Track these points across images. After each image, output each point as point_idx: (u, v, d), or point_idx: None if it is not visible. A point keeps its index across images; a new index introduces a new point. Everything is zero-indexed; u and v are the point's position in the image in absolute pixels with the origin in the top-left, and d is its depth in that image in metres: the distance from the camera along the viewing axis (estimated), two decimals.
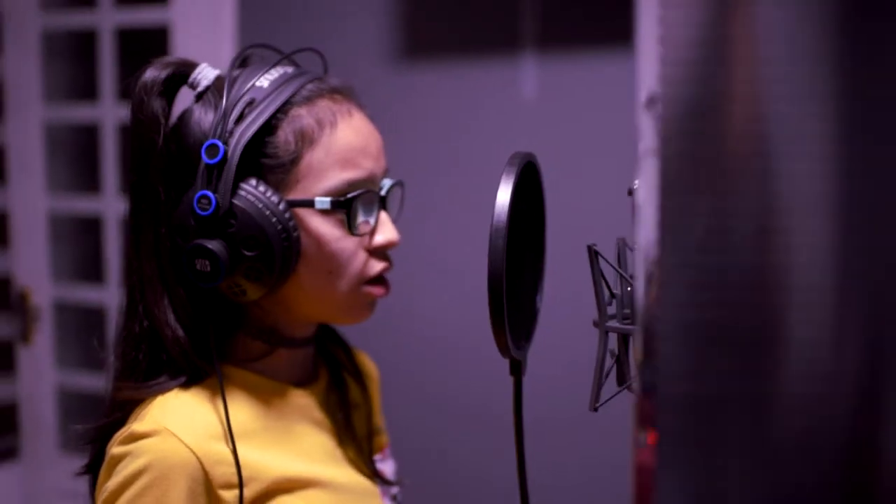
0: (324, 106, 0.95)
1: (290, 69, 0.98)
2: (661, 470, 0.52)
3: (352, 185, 0.95)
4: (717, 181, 0.50)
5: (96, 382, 2.64)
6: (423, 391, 2.15)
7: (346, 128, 0.96)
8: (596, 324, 0.77)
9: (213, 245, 0.88)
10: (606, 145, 1.97)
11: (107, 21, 2.50)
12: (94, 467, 0.98)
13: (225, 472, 0.89)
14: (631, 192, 0.75)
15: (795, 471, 0.52)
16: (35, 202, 2.65)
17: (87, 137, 2.65)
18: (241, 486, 0.89)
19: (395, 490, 1.08)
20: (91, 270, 2.71)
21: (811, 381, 0.52)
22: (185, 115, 0.94)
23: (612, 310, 0.76)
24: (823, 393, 0.52)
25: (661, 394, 0.51)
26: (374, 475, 1.04)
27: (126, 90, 0.95)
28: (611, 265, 0.75)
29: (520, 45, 2.05)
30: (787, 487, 0.52)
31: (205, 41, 2.36)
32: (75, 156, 2.75)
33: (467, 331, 2.09)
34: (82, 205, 2.66)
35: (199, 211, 0.88)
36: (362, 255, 0.96)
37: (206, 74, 0.95)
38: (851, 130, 0.51)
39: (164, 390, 0.93)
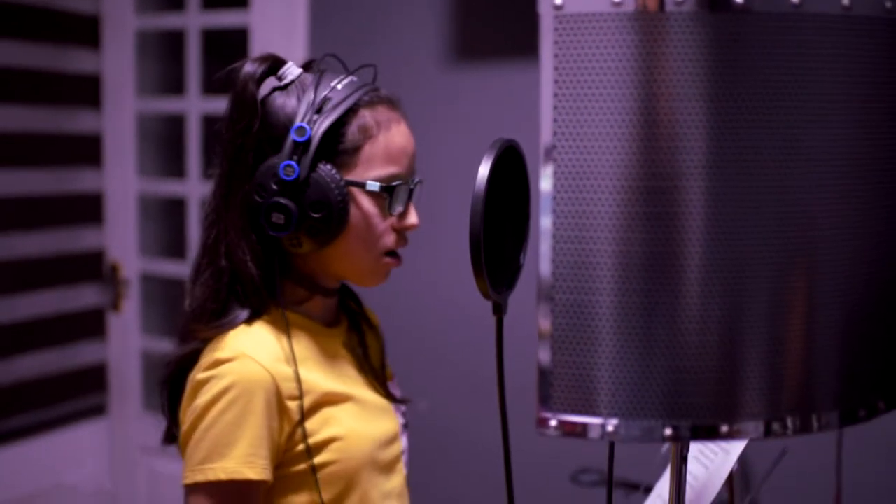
0: (382, 111, 1.19)
1: (355, 79, 1.21)
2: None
3: (393, 177, 1.18)
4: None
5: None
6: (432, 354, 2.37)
7: (396, 131, 1.20)
8: None
9: (290, 203, 1.12)
10: None
11: (194, 22, 2.77)
12: (173, 382, 1.21)
13: (289, 386, 1.12)
14: None
15: None
16: (127, 185, 2.94)
17: (174, 127, 2.92)
18: (300, 396, 1.13)
19: (403, 408, 1.33)
20: (174, 247, 2.99)
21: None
22: (270, 100, 1.16)
23: None
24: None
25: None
26: (389, 396, 1.28)
27: (225, 79, 1.20)
28: None
29: None
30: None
31: (280, 41, 2.61)
32: (164, 144, 3.03)
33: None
34: (168, 188, 2.94)
35: (283, 176, 1.11)
36: (391, 232, 1.21)
37: (292, 71, 1.18)
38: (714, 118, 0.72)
39: (234, 325, 1.15)
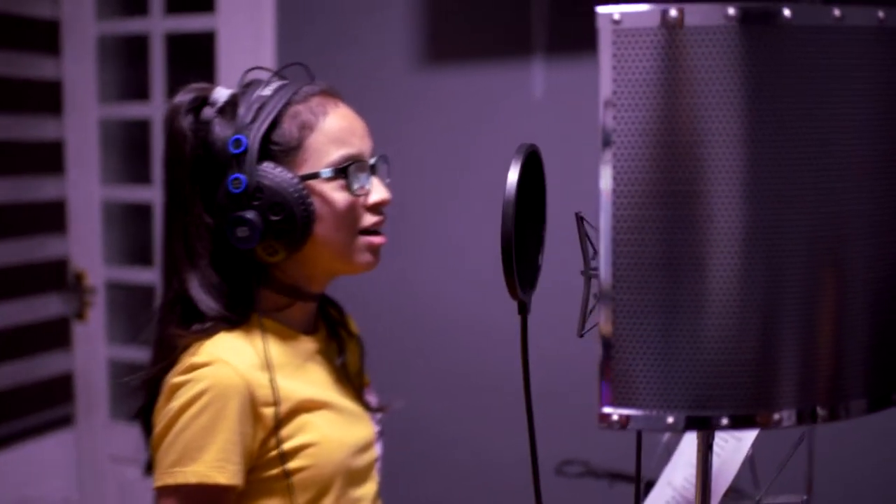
0: (316, 101, 1.21)
1: (285, 81, 1.24)
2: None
3: (347, 158, 1.20)
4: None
5: (144, 355, 2.89)
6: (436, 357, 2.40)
7: (335, 115, 1.21)
8: (582, 272, 1.02)
9: (248, 214, 1.14)
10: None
11: (157, 27, 2.75)
12: (147, 410, 1.22)
13: (264, 393, 1.14)
14: None
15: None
16: (90, 192, 2.91)
17: (138, 133, 2.90)
18: (276, 404, 1.15)
19: (378, 416, 1.35)
20: (140, 254, 2.97)
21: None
22: (209, 127, 1.19)
23: (595, 263, 1.01)
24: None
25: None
26: (364, 404, 1.32)
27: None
28: (593, 227, 1.00)
29: (531, 50, 2.29)
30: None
31: (247, 45, 2.62)
32: (127, 150, 3.00)
33: (484, 300, 2.34)
34: (133, 194, 2.92)
35: (232, 189, 1.14)
36: (362, 212, 1.22)
37: (221, 94, 1.21)
38: (750, 133, 0.76)
39: (212, 333, 1.17)
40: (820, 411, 0.82)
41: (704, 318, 0.78)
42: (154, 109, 2.79)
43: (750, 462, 1.13)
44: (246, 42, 2.62)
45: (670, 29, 0.71)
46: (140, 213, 2.92)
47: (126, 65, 2.96)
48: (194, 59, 2.85)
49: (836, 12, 0.71)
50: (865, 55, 0.74)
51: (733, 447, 1.15)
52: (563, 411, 2.34)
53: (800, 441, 1.05)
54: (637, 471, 1.05)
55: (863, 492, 2.05)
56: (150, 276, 2.87)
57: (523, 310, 1.04)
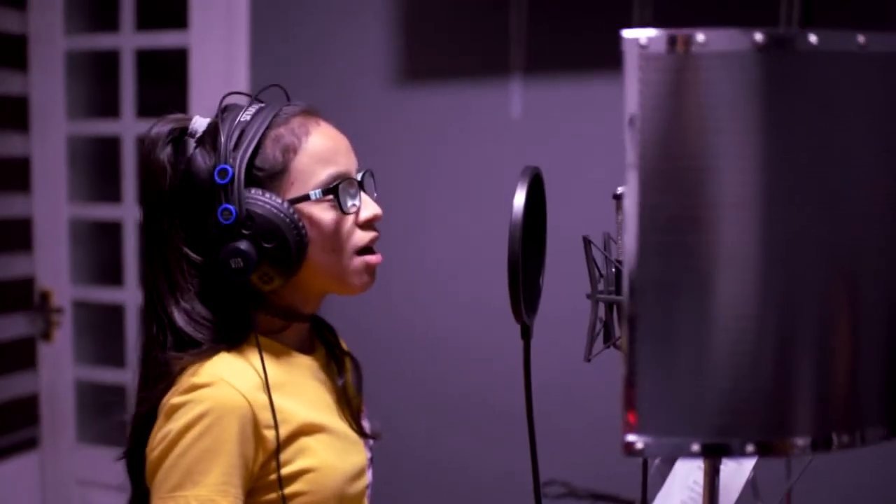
0: (297, 122, 1.19)
1: (263, 104, 1.21)
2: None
3: (334, 178, 1.18)
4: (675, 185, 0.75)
5: (112, 376, 2.85)
6: (425, 381, 2.38)
7: (318, 134, 1.19)
8: (588, 296, 1.01)
9: (240, 244, 1.11)
10: (584, 157, 2.22)
11: (128, 43, 2.72)
12: (134, 453, 1.19)
13: (266, 415, 1.11)
14: (615, 197, 0.99)
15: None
16: (57, 210, 2.85)
17: (107, 150, 2.85)
18: (276, 427, 1.12)
19: (371, 442, 1.33)
20: (108, 272, 2.91)
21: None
22: (191, 159, 1.16)
23: (600, 286, 1.00)
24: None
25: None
26: (360, 430, 1.28)
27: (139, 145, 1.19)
28: (600, 251, 0.99)
29: (509, 70, 2.29)
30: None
31: (220, 62, 2.59)
32: (96, 167, 2.95)
33: (465, 320, 2.32)
34: (101, 212, 2.87)
35: (222, 220, 1.11)
36: (355, 230, 1.20)
37: (200, 124, 1.18)
38: (765, 148, 0.75)
39: (212, 354, 1.14)
40: (835, 438, 0.82)
41: (723, 345, 0.77)
42: (124, 127, 2.74)
43: (752, 484, 1.13)
44: (219, 59, 2.59)
45: (694, 54, 0.71)
46: (108, 231, 2.87)
47: (95, 81, 2.91)
48: (165, 75, 2.82)
49: (861, 39, 0.71)
50: (888, 81, 0.75)
51: (733, 469, 1.14)
52: (545, 432, 2.33)
53: (807, 465, 1.05)
54: (643, 495, 1.04)
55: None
56: (118, 295, 2.82)
57: (526, 334, 1.03)
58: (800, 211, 0.77)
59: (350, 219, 1.20)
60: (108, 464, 2.90)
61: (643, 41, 0.70)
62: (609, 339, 1.01)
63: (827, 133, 0.76)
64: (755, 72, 0.72)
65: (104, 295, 2.88)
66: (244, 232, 1.12)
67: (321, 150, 1.18)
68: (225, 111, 1.19)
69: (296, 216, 1.14)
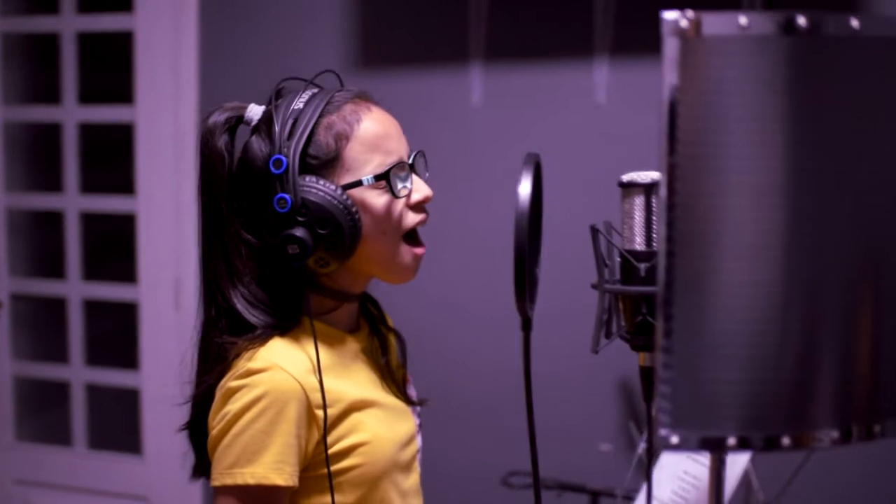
0: (349, 109, 1.21)
1: (315, 90, 1.24)
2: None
3: (385, 163, 1.21)
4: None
5: (52, 372, 2.76)
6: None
7: (369, 120, 1.21)
8: (594, 286, 0.99)
9: (297, 232, 1.14)
10: (546, 145, 2.19)
11: (69, 26, 2.61)
12: (196, 424, 1.24)
13: (318, 397, 1.16)
14: (621, 185, 0.97)
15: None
16: None
17: (46, 137, 2.74)
18: (324, 407, 1.15)
19: (418, 409, 1.38)
20: (49, 265, 2.81)
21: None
22: (247, 146, 1.20)
23: (608, 276, 0.98)
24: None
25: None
26: (407, 399, 1.34)
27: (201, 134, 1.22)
28: (609, 241, 0.97)
29: (469, 56, 2.26)
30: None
31: (167, 47, 2.51)
32: (34, 155, 2.84)
33: (425, 310, 2.29)
34: (41, 202, 2.76)
35: (278, 209, 1.14)
36: (407, 212, 1.23)
37: (255, 111, 1.22)
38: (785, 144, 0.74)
39: (266, 339, 1.18)
40: (854, 431, 0.81)
41: (751, 336, 0.76)
42: (65, 113, 2.64)
43: (747, 477, 1.12)
44: (166, 44, 2.51)
45: (733, 37, 0.68)
46: (48, 221, 2.77)
47: (33, 65, 2.80)
48: (109, 60, 2.72)
49: None
50: (888, 66, 0.74)
51: (728, 462, 1.13)
52: (509, 423, 2.32)
53: (806, 459, 1.04)
54: (648, 489, 1.02)
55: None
56: (59, 288, 2.73)
57: (528, 326, 1.00)
58: (826, 201, 0.76)
59: (401, 201, 1.23)
60: (48, 462, 2.81)
61: (683, 23, 0.67)
62: (610, 330, 0.99)
63: (858, 121, 0.74)
64: (793, 57, 0.70)
65: (44, 287, 2.78)
66: (299, 219, 1.15)
67: (372, 136, 1.21)
68: (279, 97, 1.21)
69: (349, 202, 1.16)
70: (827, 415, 0.80)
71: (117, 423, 2.81)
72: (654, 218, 0.96)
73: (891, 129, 0.76)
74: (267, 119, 1.19)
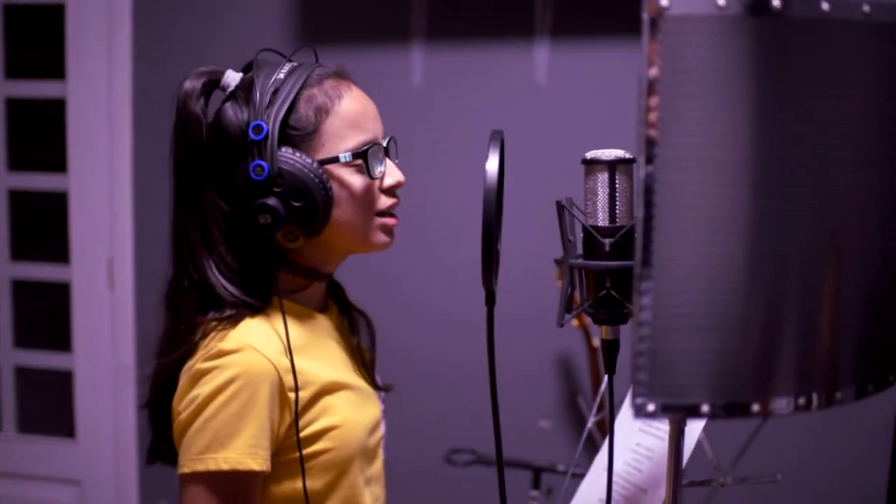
0: (330, 84, 1.20)
1: (294, 63, 1.22)
2: None
3: (364, 143, 1.20)
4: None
5: None
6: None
7: (350, 98, 1.21)
8: (558, 261, 1.01)
9: (270, 201, 1.12)
10: (485, 125, 2.21)
11: None
12: (157, 404, 1.21)
13: (291, 378, 1.14)
14: (584, 162, 0.99)
15: None
16: None
17: None
18: (296, 389, 1.14)
19: (383, 395, 1.37)
20: None
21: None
22: (222, 111, 1.17)
23: (573, 251, 1.00)
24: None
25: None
26: (374, 382, 1.33)
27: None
28: (576, 217, 0.99)
29: (409, 36, 2.26)
30: None
31: (100, 20, 2.45)
32: None
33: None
34: None
35: (254, 176, 1.12)
36: (380, 195, 1.23)
37: (233, 77, 1.20)
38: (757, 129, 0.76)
39: (236, 321, 1.15)
40: (815, 398, 0.85)
41: (715, 312, 0.78)
42: None
43: (700, 446, 1.15)
44: (99, 18, 2.45)
45: (718, 17, 0.70)
46: None
47: None
48: (38, 34, 2.65)
49: (866, 7, 0.72)
50: (856, 49, 0.77)
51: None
52: (451, 401, 2.34)
53: (760, 426, 1.08)
54: (610, 458, 1.05)
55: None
56: None
57: (491, 301, 1.02)
58: (792, 177, 0.79)
59: (375, 183, 1.21)
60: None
61: (663, 2, 0.69)
62: (572, 305, 1.01)
63: (824, 101, 0.77)
64: (763, 37, 0.73)
65: None
66: (275, 189, 1.13)
67: (352, 114, 1.20)
68: (257, 68, 1.19)
69: (325, 177, 1.16)
70: (790, 382, 0.83)
71: (49, 406, 2.76)
72: (617, 195, 0.98)
73: (854, 108, 0.79)
74: (246, 86, 1.17)
